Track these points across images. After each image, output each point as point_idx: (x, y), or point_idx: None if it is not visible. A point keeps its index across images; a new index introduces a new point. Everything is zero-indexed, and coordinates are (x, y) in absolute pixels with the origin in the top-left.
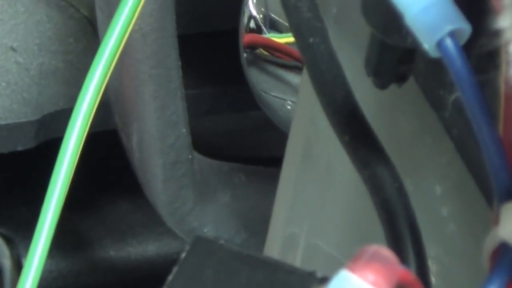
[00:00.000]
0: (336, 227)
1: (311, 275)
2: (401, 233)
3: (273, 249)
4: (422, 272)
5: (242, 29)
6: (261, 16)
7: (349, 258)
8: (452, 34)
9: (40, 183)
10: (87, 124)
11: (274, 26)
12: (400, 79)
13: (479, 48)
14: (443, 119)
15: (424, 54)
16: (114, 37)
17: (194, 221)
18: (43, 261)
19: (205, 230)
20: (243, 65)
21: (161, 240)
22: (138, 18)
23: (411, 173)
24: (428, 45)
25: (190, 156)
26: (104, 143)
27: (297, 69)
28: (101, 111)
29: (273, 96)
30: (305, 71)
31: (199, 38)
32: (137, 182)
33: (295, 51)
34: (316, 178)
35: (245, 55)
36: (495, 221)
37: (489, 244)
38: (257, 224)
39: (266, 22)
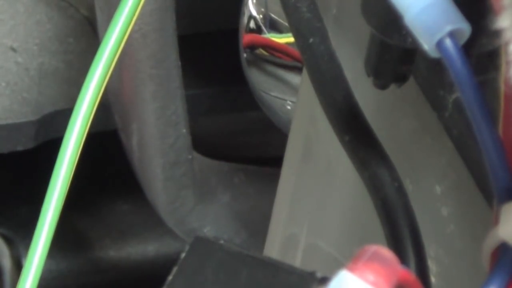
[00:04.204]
0: (336, 227)
1: (311, 275)
2: (401, 233)
3: (273, 249)
4: (422, 272)
5: (242, 29)
6: (261, 16)
7: (349, 258)
8: (452, 34)
9: (40, 183)
10: (87, 124)
11: (274, 26)
12: (400, 79)
13: (479, 48)
14: (443, 119)
15: (424, 54)
16: (114, 37)
17: (194, 221)
18: (43, 261)
19: (205, 230)
20: (243, 65)
21: (161, 240)
22: (138, 18)
23: (411, 173)
24: (427, 45)
25: (190, 156)
26: (104, 143)
27: (297, 69)
28: (101, 111)
29: (273, 96)
30: (305, 71)
31: (199, 38)
32: (137, 182)
33: (295, 51)
34: (316, 178)
35: (245, 55)
36: (495, 221)
37: (489, 244)
38: (257, 224)
39: (266, 22)
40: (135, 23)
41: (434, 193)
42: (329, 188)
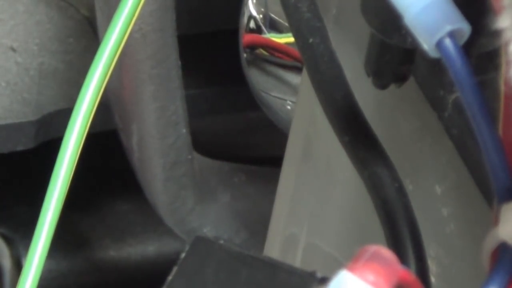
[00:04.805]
0: (336, 227)
1: (311, 275)
2: (401, 233)
3: (273, 249)
4: (422, 272)
5: (242, 29)
6: (261, 16)
7: (349, 258)
8: (452, 34)
9: (40, 183)
10: (87, 124)
11: (274, 26)
12: (400, 79)
13: (479, 48)
14: (443, 119)
15: (424, 54)
16: (114, 37)
17: (194, 221)
18: (43, 261)
19: (205, 230)
20: (243, 65)
21: (161, 240)
22: (138, 18)
23: (411, 173)
24: (427, 45)
25: (190, 156)
26: (104, 143)
27: (297, 69)
28: (101, 111)
29: (273, 96)
30: (305, 71)
31: (199, 38)
32: (137, 182)
33: (295, 51)
34: (316, 178)
35: (245, 55)
36: (495, 221)
37: (489, 244)
38: (257, 224)
39: (266, 22)
40: (135, 23)
41: (434, 193)
42: (329, 188)
